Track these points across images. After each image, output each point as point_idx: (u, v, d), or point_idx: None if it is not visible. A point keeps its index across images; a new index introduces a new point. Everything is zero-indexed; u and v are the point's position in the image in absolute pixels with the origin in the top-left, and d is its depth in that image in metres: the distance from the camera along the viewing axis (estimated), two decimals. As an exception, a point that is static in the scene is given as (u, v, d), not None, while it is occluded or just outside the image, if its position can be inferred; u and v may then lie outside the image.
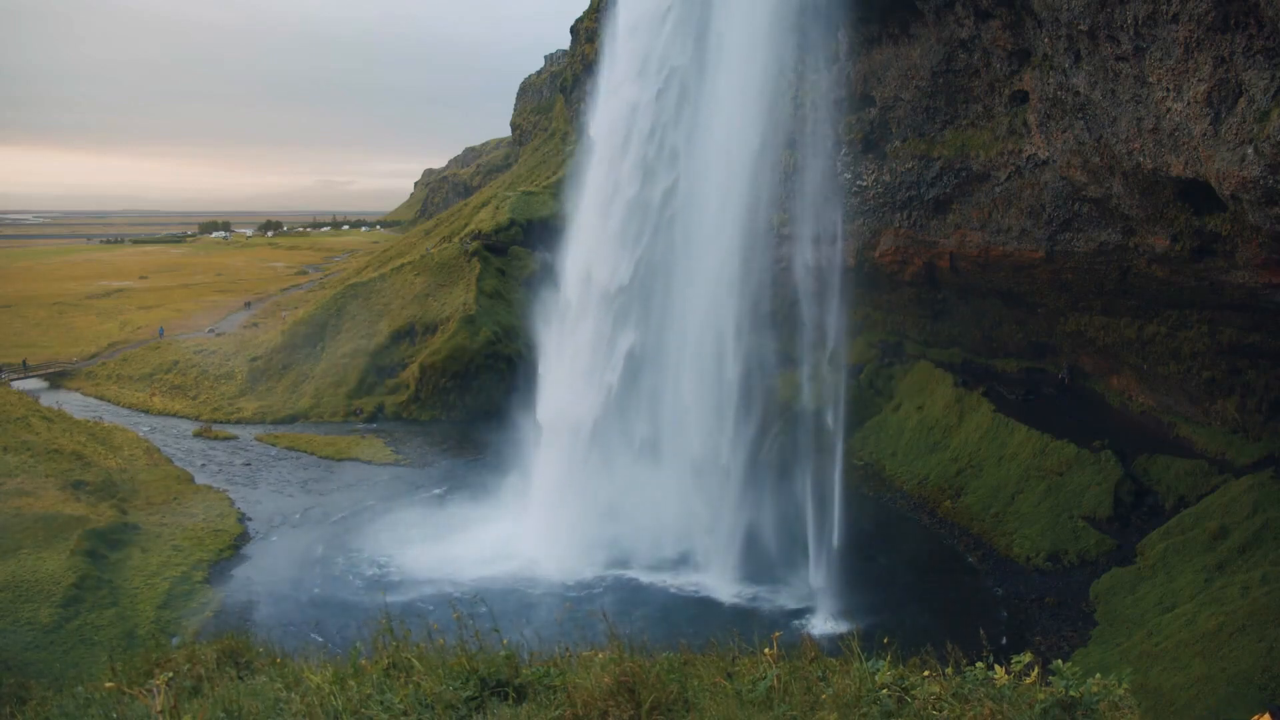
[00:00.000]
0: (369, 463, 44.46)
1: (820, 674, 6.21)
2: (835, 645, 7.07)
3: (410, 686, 6.41)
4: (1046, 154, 29.03)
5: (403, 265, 66.86)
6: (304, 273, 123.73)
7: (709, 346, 32.42)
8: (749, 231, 31.98)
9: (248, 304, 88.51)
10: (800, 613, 27.69)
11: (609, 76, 37.17)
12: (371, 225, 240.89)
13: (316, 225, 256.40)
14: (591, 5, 74.55)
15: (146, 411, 54.45)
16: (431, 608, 26.34)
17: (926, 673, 5.65)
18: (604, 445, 35.02)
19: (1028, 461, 34.75)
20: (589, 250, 36.48)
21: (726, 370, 32.07)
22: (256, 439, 48.83)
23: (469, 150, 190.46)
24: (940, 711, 5.17)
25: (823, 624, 26.65)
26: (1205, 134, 20.10)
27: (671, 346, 34.57)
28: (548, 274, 50.02)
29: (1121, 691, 5.03)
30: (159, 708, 5.66)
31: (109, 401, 56.29)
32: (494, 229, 64.84)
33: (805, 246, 36.07)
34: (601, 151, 36.69)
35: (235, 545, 33.35)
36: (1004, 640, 25.37)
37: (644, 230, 34.81)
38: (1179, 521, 28.92)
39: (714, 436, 32.34)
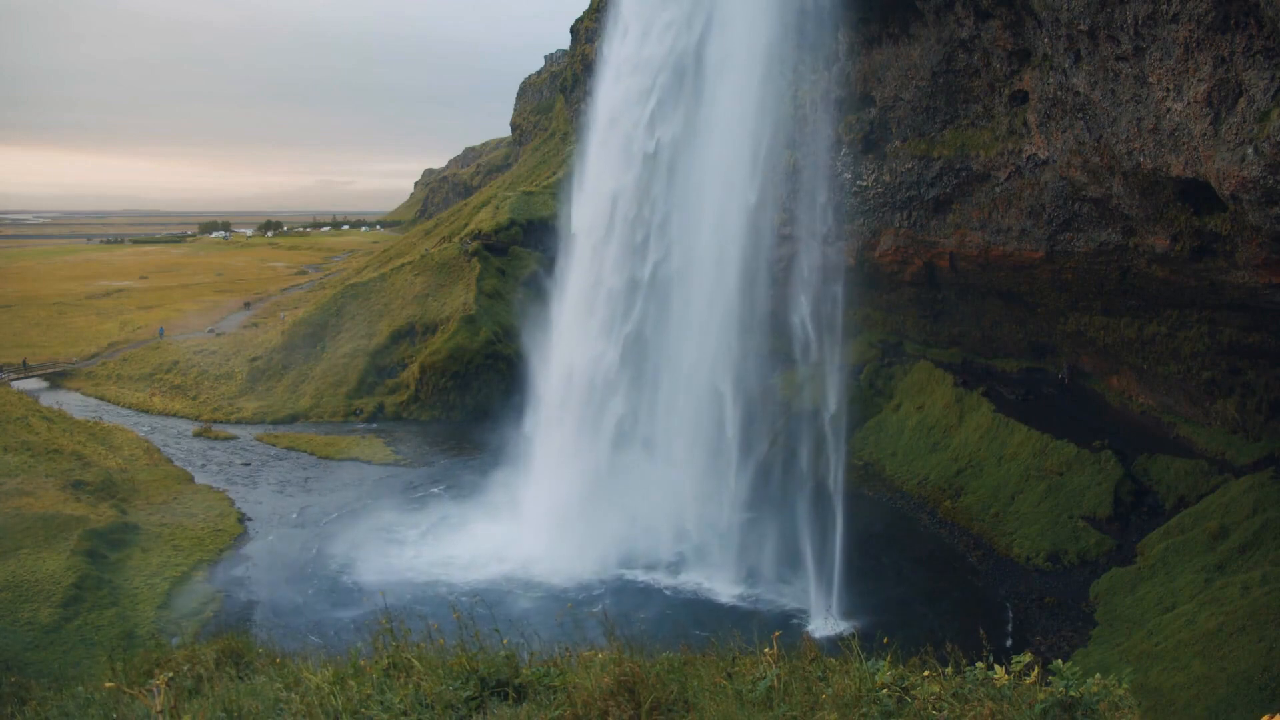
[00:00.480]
0: (369, 463, 44.47)
1: (820, 674, 6.21)
2: (835, 645, 7.06)
3: (410, 686, 6.41)
4: (1046, 154, 29.03)
5: (403, 265, 66.88)
6: (304, 273, 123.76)
7: (706, 403, 32.37)
8: (749, 279, 31.89)
9: (247, 304, 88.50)
10: (800, 613, 27.69)
11: (594, 171, 37.03)
12: (371, 225, 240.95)
13: (316, 225, 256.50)
14: (591, 5, 74.57)
15: (146, 411, 54.45)
16: (431, 608, 26.34)
17: (926, 673, 5.65)
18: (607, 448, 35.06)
19: (1028, 461, 34.75)
20: (573, 347, 36.39)
21: (726, 427, 32.09)
22: (256, 439, 48.84)
23: (469, 150, 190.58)
24: (940, 711, 5.16)
25: (823, 624, 26.63)
26: (1205, 134, 20.10)
27: (664, 407, 34.52)
28: (544, 291, 49.47)
29: (1121, 691, 5.02)
30: (159, 708, 5.66)
31: (109, 401, 56.29)
32: (494, 229, 64.84)
33: (805, 247, 36.08)
34: (584, 245, 36.64)
35: (235, 545, 33.35)
36: (1004, 640, 25.39)
37: (633, 306, 34.81)
38: (1179, 521, 28.92)
39: (714, 495, 32.32)
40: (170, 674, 6.66)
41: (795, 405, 36.42)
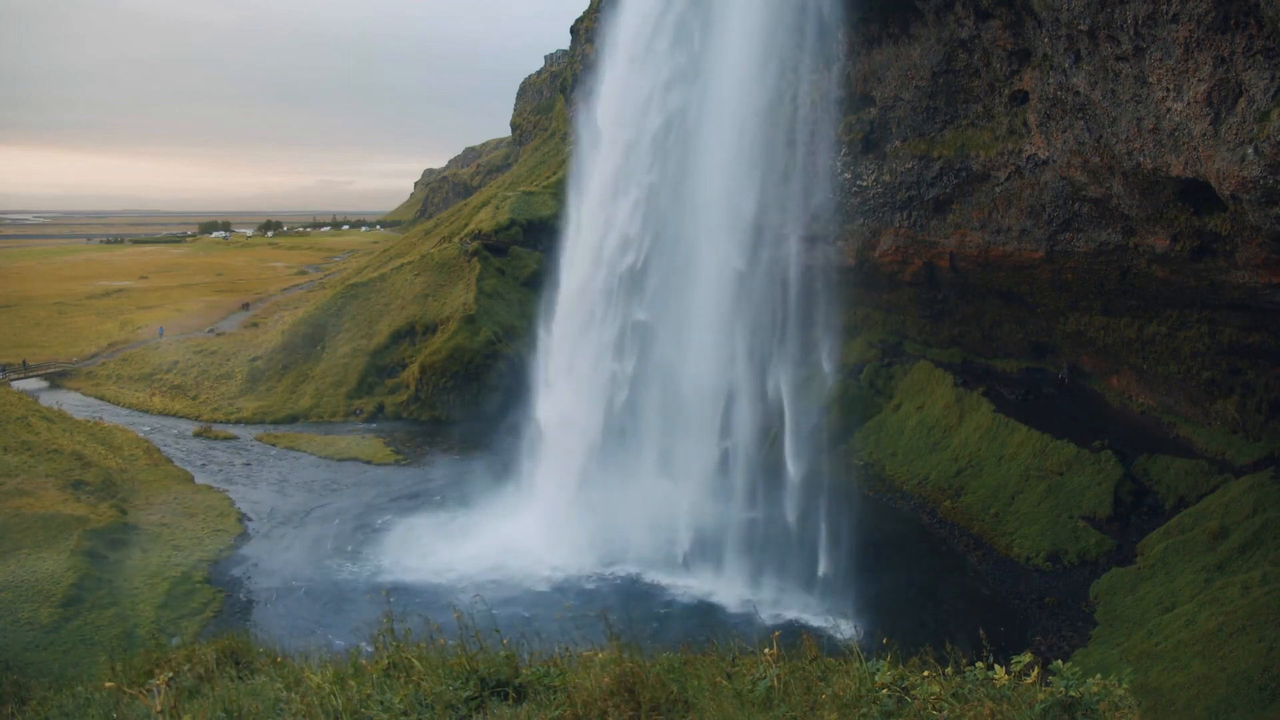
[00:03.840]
0: (369, 463, 44.47)
1: (820, 674, 6.21)
2: (835, 645, 7.06)
3: (410, 686, 6.41)
4: (1046, 154, 29.02)
5: (403, 265, 66.86)
6: (304, 273, 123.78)
7: (707, 404, 32.48)
8: (749, 279, 31.89)
9: (246, 305, 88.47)
10: (799, 612, 27.69)
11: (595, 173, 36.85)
12: (371, 225, 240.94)
13: (317, 225, 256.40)
14: (591, 5, 74.57)
15: (146, 411, 54.44)
16: (431, 607, 26.33)
17: (926, 673, 5.65)
18: (607, 448, 35.03)
19: (1028, 461, 34.74)
20: (573, 344, 36.33)
21: (727, 427, 32.28)
22: (256, 439, 48.83)
23: (469, 150, 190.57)
24: (940, 711, 5.16)
25: (822, 624, 26.64)
26: (1205, 134, 20.10)
27: (665, 407, 34.54)
28: (544, 290, 48.93)
29: (1121, 691, 5.02)
30: (159, 708, 5.66)
31: (109, 401, 56.28)
32: (494, 229, 64.83)
33: (805, 247, 36.09)
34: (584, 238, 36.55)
35: (235, 545, 33.35)
36: (1004, 640, 25.37)
37: (633, 304, 34.88)
38: (1179, 521, 28.91)
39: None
40: (170, 674, 6.65)
41: (795, 405, 36.38)
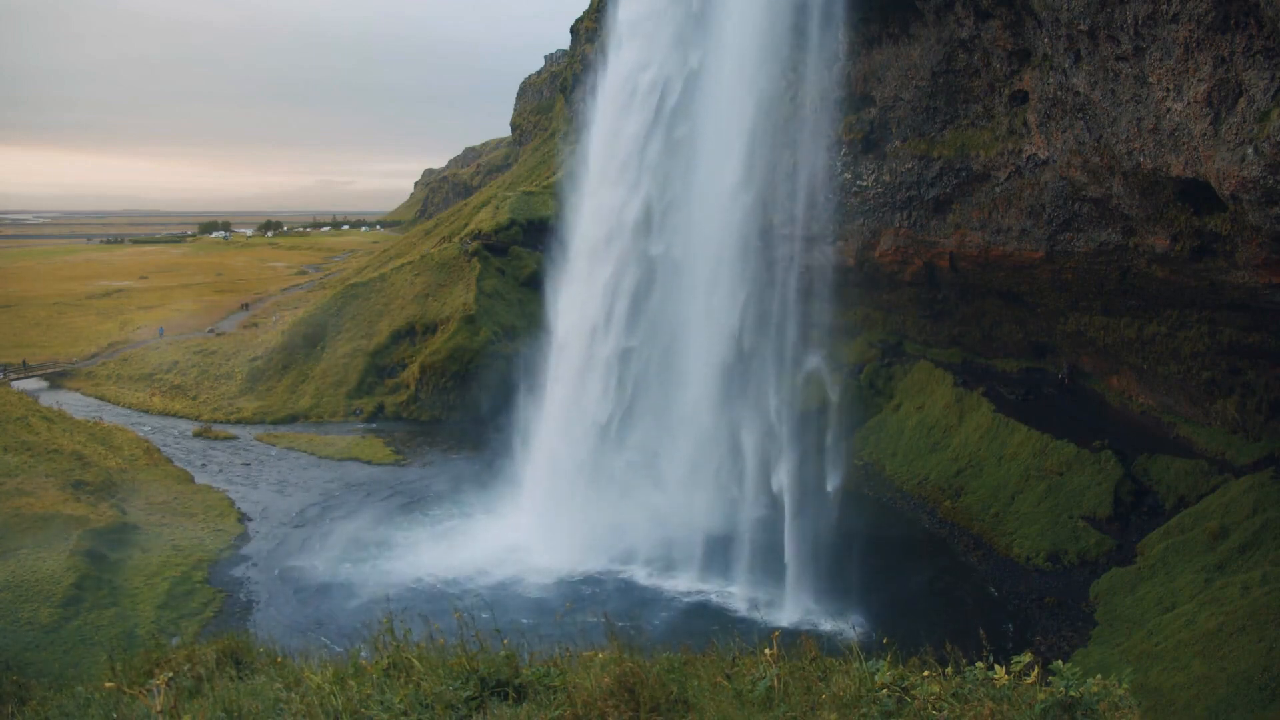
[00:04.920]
0: (369, 462, 44.47)
1: (820, 674, 6.21)
2: (835, 645, 7.06)
3: (410, 686, 6.41)
4: (1046, 154, 29.02)
5: (403, 265, 66.86)
6: (304, 273, 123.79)
7: (707, 403, 32.63)
8: (751, 279, 31.99)
9: (245, 305, 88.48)
10: (800, 613, 27.69)
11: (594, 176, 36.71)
12: (371, 225, 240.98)
13: (317, 225, 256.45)
14: (591, 5, 74.57)
15: (146, 411, 54.45)
16: (431, 607, 26.35)
17: (926, 673, 5.65)
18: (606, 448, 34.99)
19: (1028, 461, 34.74)
20: (574, 343, 36.11)
21: (727, 427, 32.34)
22: (256, 439, 48.83)
23: (469, 150, 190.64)
24: (940, 711, 5.16)
25: (822, 624, 26.65)
26: (1205, 134, 20.10)
27: (667, 407, 34.47)
28: (544, 290, 48.29)
29: (1121, 691, 5.02)
30: (159, 708, 5.66)
31: (109, 401, 56.29)
32: (494, 229, 64.83)
33: (805, 247, 36.06)
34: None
35: (235, 545, 33.35)
36: (1005, 641, 25.38)
37: (636, 305, 34.89)
38: (1179, 521, 28.91)
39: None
40: (170, 674, 6.64)
41: (795, 405, 36.37)
